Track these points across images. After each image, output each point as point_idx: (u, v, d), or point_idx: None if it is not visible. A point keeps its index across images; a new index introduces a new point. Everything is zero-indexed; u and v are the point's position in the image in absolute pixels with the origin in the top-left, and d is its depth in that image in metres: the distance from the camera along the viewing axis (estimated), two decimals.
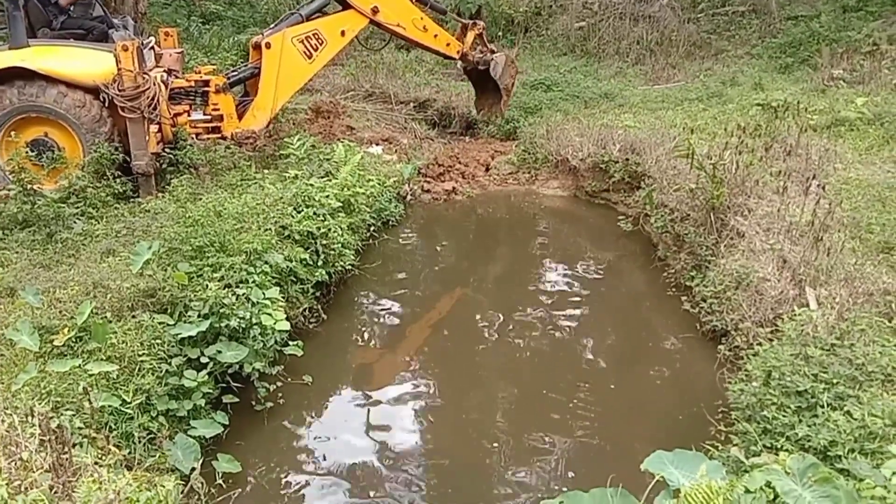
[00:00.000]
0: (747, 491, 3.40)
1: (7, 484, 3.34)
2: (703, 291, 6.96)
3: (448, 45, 11.52)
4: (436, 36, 11.31)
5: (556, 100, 13.79)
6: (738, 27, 17.38)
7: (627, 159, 10.18)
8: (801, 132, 9.27)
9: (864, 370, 4.52)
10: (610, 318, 7.79)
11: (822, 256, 6.28)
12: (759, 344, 5.28)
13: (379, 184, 9.79)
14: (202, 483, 4.11)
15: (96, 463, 4.06)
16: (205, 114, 9.81)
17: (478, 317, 7.73)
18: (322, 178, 8.93)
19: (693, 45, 17.09)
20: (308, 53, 10.07)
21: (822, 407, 4.28)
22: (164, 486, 3.86)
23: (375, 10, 10.41)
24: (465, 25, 11.86)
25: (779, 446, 4.17)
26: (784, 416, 4.34)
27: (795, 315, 5.40)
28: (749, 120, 10.18)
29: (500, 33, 18.82)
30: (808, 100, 11.60)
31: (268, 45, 9.92)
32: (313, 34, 10.06)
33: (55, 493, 3.56)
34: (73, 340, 5.21)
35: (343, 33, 10.32)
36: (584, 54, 17.74)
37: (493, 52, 12.05)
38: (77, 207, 7.82)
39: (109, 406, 4.72)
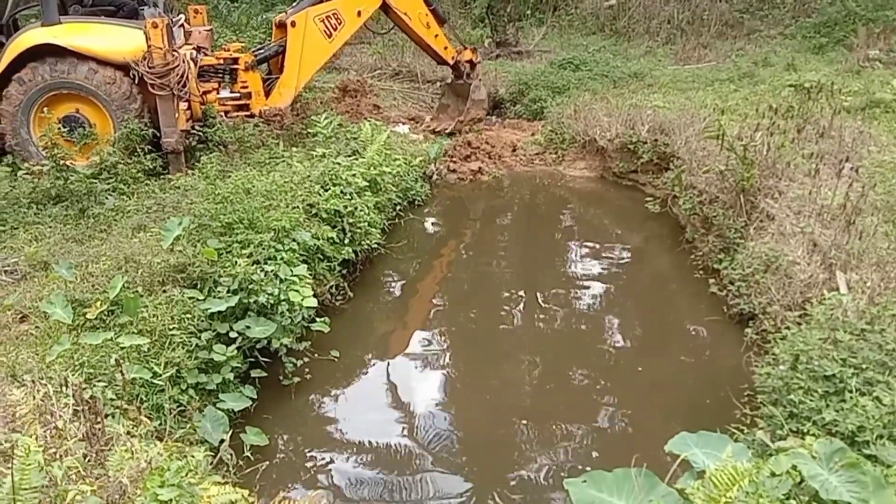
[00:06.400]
0: (773, 474, 3.39)
1: (43, 451, 3.42)
2: (731, 274, 6.89)
3: (445, 48, 11.84)
4: (436, 36, 11.63)
5: (584, 79, 13.66)
6: (771, 6, 17.07)
7: (656, 140, 10.08)
8: (834, 114, 9.10)
9: (894, 356, 4.45)
10: (636, 300, 7.75)
11: (853, 240, 6.18)
12: (788, 328, 5.22)
13: (405, 163, 9.82)
14: (231, 455, 4.17)
15: (128, 433, 4.14)
16: (232, 91, 9.89)
17: (503, 296, 7.74)
18: (349, 156, 8.97)
19: (725, 25, 16.82)
20: (328, 33, 10.31)
21: (851, 392, 4.23)
22: (193, 457, 3.93)
23: None
24: (466, 47, 12.33)
25: (805, 430, 4.13)
26: (811, 400, 4.30)
27: (825, 299, 5.33)
28: (781, 101, 10.01)
29: (529, 12, 18.66)
30: (842, 81, 11.37)
31: (293, 24, 10.08)
32: (333, 14, 10.31)
33: (88, 461, 3.64)
34: (106, 314, 5.31)
35: (359, 13, 10.64)
36: (613, 33, 17.54)
37: (480, 80, 12.59)
38: (108, 183, 7.96)
39: (141, 378, 4.81)
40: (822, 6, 16.10)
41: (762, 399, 4.76)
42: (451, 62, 12.07)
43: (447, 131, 12.29)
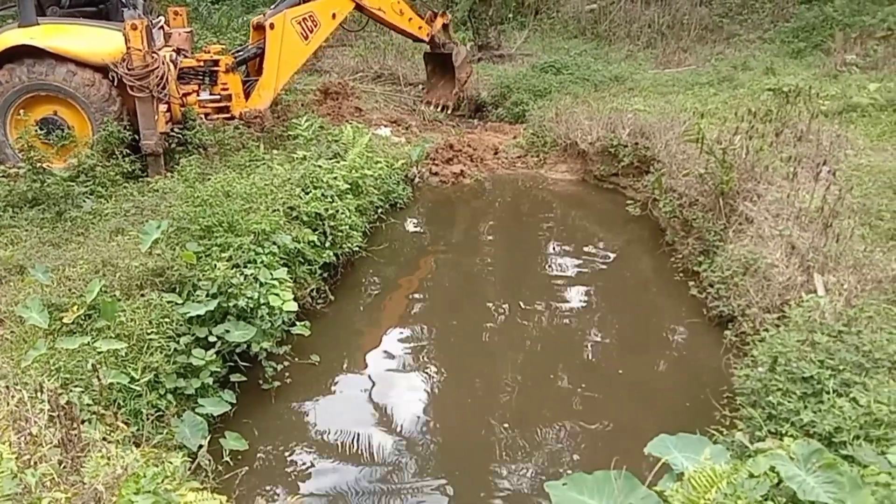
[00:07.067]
0: (751, 475, 3.41)
1: (17, 458, 3.38)
2: (710, 277, 6.95)
3: (420, 28, 12.20)
4: (410, 20, 12.01)
5: (565, 83, 13.70)
6: (750, 11, 17.23)
7: (637, 143, 10.13)
8: (812, 118, 9.20)
9: (870, 357, 4.51)
10: (617, 303, 7.78)
11: (831, 243, 6.25)
12: (766, 330, 5.27)
13: (387, 166, 9.80)
14: (209, 460, 4.14)
15: (104, 439, 4.10)
16: (212, 93, 9.84)
17: (485, 300, 7.75)
18: (330, 159, 8.94)
19: (705, 29, 16.96)
20: (305, 35, 10.43)
21: (828, 393, 4.27)
22: (171, 463, 3.89)
23: None
24: (435, 13, 12.63)
25: (783, 432, 4.17)
26: (789, 401, 4.34)
27: (803, 301, 5.39)
28: (760, 105, 10.10)
29: (511, 15, 18.71)
30: (820, 85, 11.49)
31: (271, 26, 10.14)
32: (309, 16, 10.43)
33: (64, 467, 3.60)
34: (82, 318, 5.25)
35: (334, 16, 10.83)
36: (594, 37, 17.63)
37: (456, 43, 12.93)
38: (86, 186, 7.87)
39: (118, 383, 4.76)
40: (799, 11, 16.28)
41: (741, 401, 4.79)
42: (428, 39, 12.45)
43: (450, 108, 13.02)
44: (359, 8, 11.26)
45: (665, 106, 11.39)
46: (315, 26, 10.46)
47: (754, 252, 6.58)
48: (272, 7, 10.65)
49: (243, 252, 6.29)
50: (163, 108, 8.79)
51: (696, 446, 3.78)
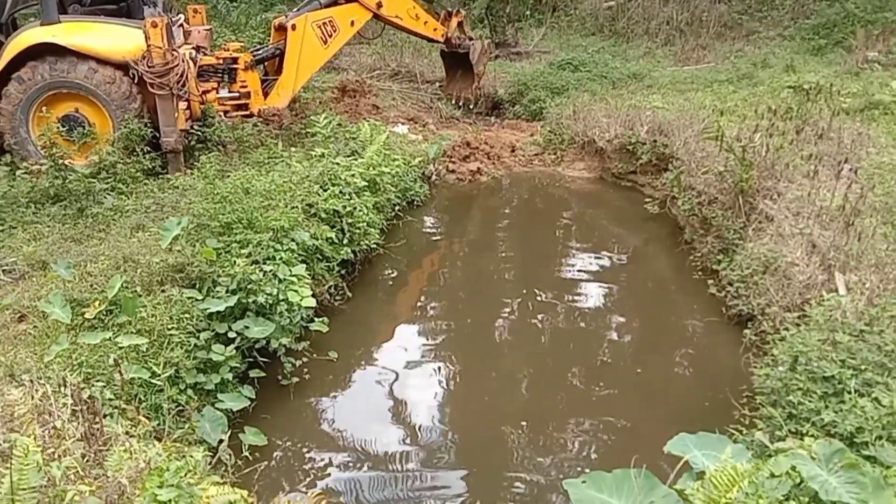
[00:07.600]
0: (772, 475, 3.39)
1: (42, 451, 3.41)
2: (729, 275, 6.90)
3: (435, 30, 12.40)
4: (426, 23, 12.22)
5: (583, 80, 13.66)
6: (770, 8, 17.10)
7: (655, 141, 10.09)
8: (833, 115, 9.10)
9: (893, 357, 4.46)
10: (635, 301, 7.75)
11: (852, 241, 6.19)
12: (786, 329, 5.22)
13: (404, 163, 9.81)
14: (229, 455, 4.17)
15: (127, 433, 4.13)
16: (231, 91, 9.91)
17: (502, 297, 7.74)
18: (348, 156, 8.97)
19: (724, 26, 16.85)
20: (324, 39, 10.63)
21: (850, 393, 4.23)
22: (192, 457, 3.92)
23: (379, 5, 11.22)
24: (449, 13, 12.78)
25: (804, 431, 4.13)
26: (810, 401, 4.30)
27: (824, 300, 5.34)
28: (780, 102, 10.01)
29: (528, 13, 18.67)
30: (841, 82, 11.38)
31: (293, 27, 10.25)
32: (329, 21, 10.62)
33: (87, 461, 3.63)
34: (104, 313, 5.30)
35: (352, 23, 11.03)
36: (612, 34, 17.57)
37: (471, 38, 13.09)
38: (107, 183, 7.95)
39: (139, 378, 4.80)
40: (820, 8, 16.13)
41: (761, 400, 4.76)
42: (443, 40, 12.61)
43: (470, 101, 13.35)
44: (377, 16, 11.42)
45: (684, 103, 11.32)
46: (334, 31, 10.67)
47: (774, 250, 6.53)
48: (295, 9, 10.79)
49: (262, 249, 6.33)
50: (183, 105, 8.86)
51: (716, 445, 3.76)
